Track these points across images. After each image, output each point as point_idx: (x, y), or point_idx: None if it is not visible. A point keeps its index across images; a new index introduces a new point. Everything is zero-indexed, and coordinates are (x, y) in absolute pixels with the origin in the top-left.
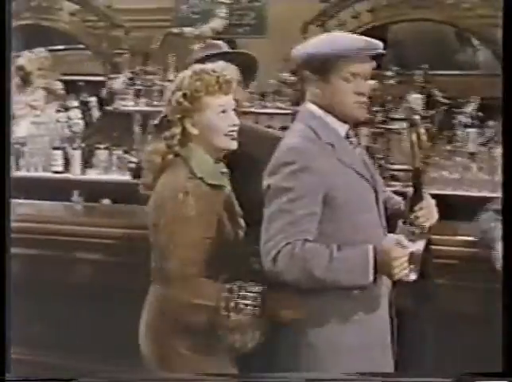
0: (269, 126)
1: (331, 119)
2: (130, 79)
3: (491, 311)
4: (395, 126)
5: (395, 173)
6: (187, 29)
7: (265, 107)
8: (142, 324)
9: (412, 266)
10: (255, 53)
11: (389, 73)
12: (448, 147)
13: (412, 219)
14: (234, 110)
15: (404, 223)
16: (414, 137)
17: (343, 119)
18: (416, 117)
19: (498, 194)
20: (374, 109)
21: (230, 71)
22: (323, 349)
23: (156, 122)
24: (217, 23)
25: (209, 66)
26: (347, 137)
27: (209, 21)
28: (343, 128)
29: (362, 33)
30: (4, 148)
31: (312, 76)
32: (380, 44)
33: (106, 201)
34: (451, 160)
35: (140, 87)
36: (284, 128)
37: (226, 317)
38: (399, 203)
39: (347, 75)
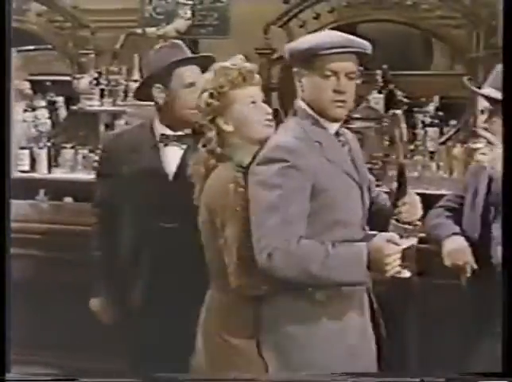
0: None
1: (318, 117)
2: (96, 79)
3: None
4: (355, 125)
5: None
6: (149, 30)
7: None
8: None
9: (405, 263)
10: (218, 53)
11: None
12: (409, 147)
13: (401, 215)
14: None
15: (397, 220)
16: (397, 132)
17: (324, 117)
18: (398, 112)
19: (455, 191)
20: None
21: (248, 63)
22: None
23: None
24: (180, 24)
25: (227, 62)
26: (337, 134)
27: (172, 21)
28: (332, 125)
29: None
30: (4, 148)
31: (298, 71)
32: (364, 43)
33: (68, 199)
34: (411, 159)
35: (105, 87)
36: None
37: None
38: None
39: (327, 72)
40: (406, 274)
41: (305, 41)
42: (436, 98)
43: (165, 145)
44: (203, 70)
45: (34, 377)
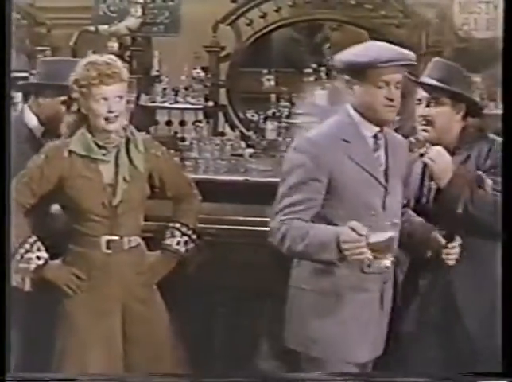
0: (182, 121)
1: (360, 121)
2: None
3: None
4: (299, 120)
5: None
6: (102, 27)
7: (177, 102)
8: None
9: (377, 254)
10: (169, 50)
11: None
12: None
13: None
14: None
15: None
16: None
17: (374, 121)
18: None
19: None
20: (282, 104)
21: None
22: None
23: None
24: (131, 22)
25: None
26: (375, 137)
27: (124, 19)
28: (370, 129)
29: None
30: (4, 148)
31: (350, 80)
32: (411, 54)
33: None
34: None
35: None
36: (198, 121)
37: None
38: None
39: (380, 83)
40: (386, 263)
41: (362, 55)
42: None
43: None
44: None
45: (34, 377)
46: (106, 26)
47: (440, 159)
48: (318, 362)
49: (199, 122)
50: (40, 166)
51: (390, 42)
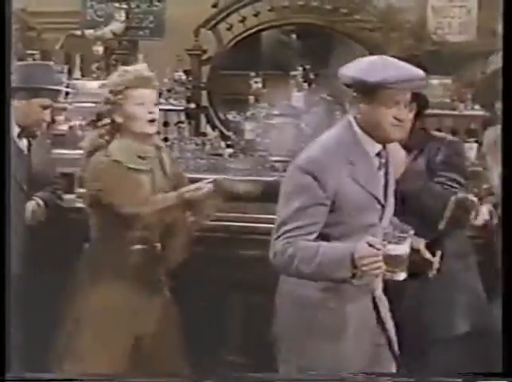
0: (165, 123)
1: (364, 138)
2: None
3: None
4: (275, 121)
5: (274, 164)
6: (88, 31)
7: (160, 103)
8: None
9: (393, 268)
10: (154, 54)
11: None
12: None
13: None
14: None
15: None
16: None
17: (380, 139)
18: None
19: None
20: (261, 106)
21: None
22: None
23: None
24: (116, 26)
25: (130, 67)
26: (379, 155)
27: (109, 24)
28: (374, 147)
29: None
30: (4, 147)
31: (356, 95)
32: (422, 73)
33: None
34: None
35: None
36: (180, 122)
37: None
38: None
39: (390, 102)
40: (399, 277)
41: (371, 74)
42: None
43: None
44: None
45: (34, 377)
46: (91, 30)
47: (396, 154)
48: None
49: (182, 123)
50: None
51: (366, 45)
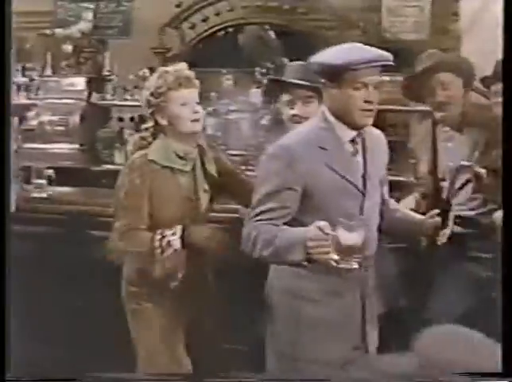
0: (131, 118)
1: (337, 124)
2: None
3: None
4: (233, 116)
5: (233, 158)
6: (57, 31)
7: (126, 99)
8: None
9: (344, 256)
10: (122, 52)
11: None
12: None
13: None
14: None
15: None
16: None
17: (351, 125)
18: None
19: None
20: (222, 102)
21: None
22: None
23: None
24: (83, 25)
25: (169, 67)
26: (353, 141)
27: (78, 23)
28: (347, 133)
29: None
30: (4, 146)
31: (326, 82)
32: (389, 56)
33: None
34: None
35: (21, 83)
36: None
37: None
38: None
39: (358, 84)
40: (353, 265)
41: (337, 57)
42: None
43: None
44: None
45: (34, 377)
46: (61, 30)
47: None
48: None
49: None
50: (135, 183)
51: (322, 43)
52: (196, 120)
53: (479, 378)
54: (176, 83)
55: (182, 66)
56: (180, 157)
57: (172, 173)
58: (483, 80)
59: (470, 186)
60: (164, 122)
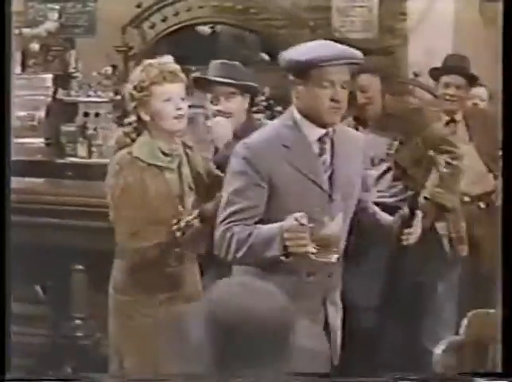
0: (96, 113)
1: (303, 122)
2: None
3: None
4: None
5: None
6: (25, 30)
7: (90, 95)
8: None
9: (322, 248)
10: (88, 50)
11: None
12: None
13: None
14: None
15: None
16: None
17: (318, 123)
18: None
19: None
20: None
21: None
22: None
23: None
24: (49, 25)
25: (154, 60)
26: (320, 140)
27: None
28: (314, 131)
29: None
30: (4, 145)
31: (294, 80)
32: (358, 53)
33: None
34: None
35: None
36: (108, 113)
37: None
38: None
39: (324, 82)
40: (332, 259)
41: (304, 53)
42: (267, 89)
43: None
44: None
45: (34, 377)
46: (28, 29)
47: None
48: None
49: (109, 113)
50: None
51: (274, 41)
52: (179, 117)
53: (479, 378)
54: (160, 77)
55: (167, 59)
56: (166, 154)
57: (159, 170)
58: (431, 72)
59: (390, 174)
60: (146, 117)
